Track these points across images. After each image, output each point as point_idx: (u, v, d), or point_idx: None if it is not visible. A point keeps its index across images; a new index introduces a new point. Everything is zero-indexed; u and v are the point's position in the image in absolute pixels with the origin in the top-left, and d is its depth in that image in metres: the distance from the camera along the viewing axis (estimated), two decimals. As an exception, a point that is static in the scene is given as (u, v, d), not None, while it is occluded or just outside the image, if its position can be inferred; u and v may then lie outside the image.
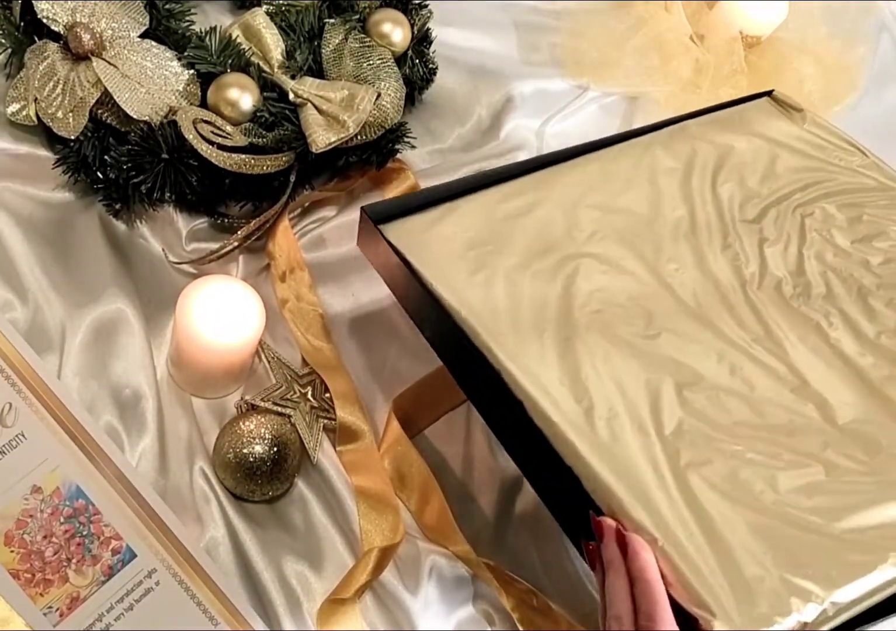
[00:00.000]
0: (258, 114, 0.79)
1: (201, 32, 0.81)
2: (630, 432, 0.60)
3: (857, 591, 0.56)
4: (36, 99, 0.77)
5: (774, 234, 0.75)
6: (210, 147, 0.75)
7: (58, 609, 0.66)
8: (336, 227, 0.85)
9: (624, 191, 0.75)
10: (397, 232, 0.70)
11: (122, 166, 0.76)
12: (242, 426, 0.73)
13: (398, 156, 0.85)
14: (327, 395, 0.78)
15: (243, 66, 0.80)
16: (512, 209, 0.72)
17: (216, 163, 0.75)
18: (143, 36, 0.79)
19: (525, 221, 0.72)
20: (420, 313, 0.70)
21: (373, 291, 0.84)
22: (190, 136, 0.75)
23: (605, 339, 0.65)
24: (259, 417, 0.73)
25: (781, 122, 0.83)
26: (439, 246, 0.69)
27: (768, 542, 0.57)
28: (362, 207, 0.70)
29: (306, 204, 0.85)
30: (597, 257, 0.70)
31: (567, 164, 0.76)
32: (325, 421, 0.77)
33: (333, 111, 0.78)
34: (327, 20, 0.83)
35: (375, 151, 0.83)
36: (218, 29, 0.81)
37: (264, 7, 0.84)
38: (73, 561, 0.67)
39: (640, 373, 0.63)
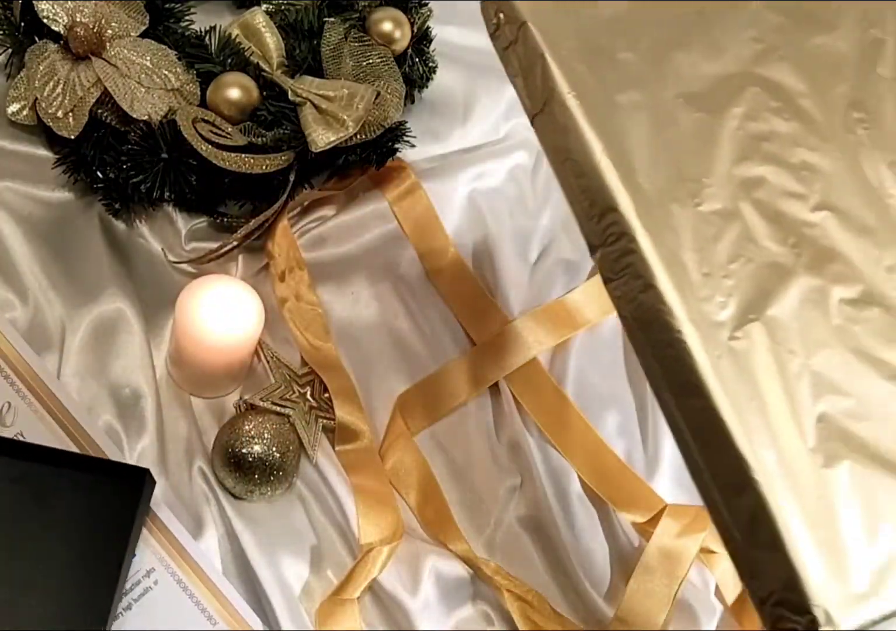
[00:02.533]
0: (257, 113, 0.78)
1: (201, 32, 0.81)
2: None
3: None
4: (36, 99, 0.77)
5: None
6: (209, 146, 0.75)
7: (56, 608, 0.66)
8: (335, 226, 0.85)
9: None
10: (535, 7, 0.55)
11: (121, 166, 0.76)
12: (241, 426, 0.72)
13: (398, 155, 0.85)
14: (326, 394, 0.77)
15: (243, 65, 0.79)
16: None
17: (215, 162, 0.75)
18: (142, 35, 0.79)
19: (690, 10, 0.57)
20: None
21: (373, 290, 0.84)
22: (189, 135, 0.75)
23: (758, 211, 0.54)
24: (258, 416, 0.73)
25: None
26: (587, 34, 0.55)
27: None
28: None
29: (305, 203, 0.85)
30: (769, 85, 0.57)
31: None
32: (325, 421, 0.77)
33: (333, 110, 0.78)
34: (327, 19, 0.82)
35: (375, 150, 0.83)
36: (217, 28, 0.81)
37: (263, 6, 0.84)
38: (72, 560, 0.67)
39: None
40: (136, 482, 0.67)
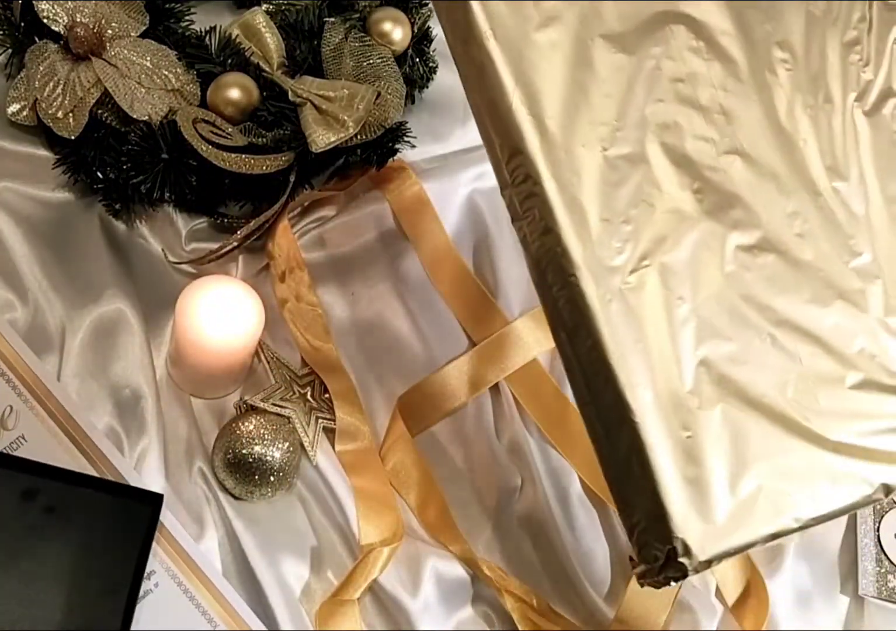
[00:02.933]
0: (258, 113, 0.78)
1: (201, 32, 0.81)
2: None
3: None
4: (36, 99, 0.77)
5: None
6: (209, 147, 0.75)
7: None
8: (336, 227, 0.85)
9: None
10: None
11: (121, 166, 0.76)
12: (242, 427, 0.72)
13: (398, 155, 0.85)
14: (327, 395, 0.77)
15: (243, 65, 0.79)
16: None
17: (216, 162, 0.75)
18: (142, 36, 0.79)
19: None
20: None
21: (373, 291, 0.84)
22: (189, 135, 0.74)
23: (667, 156, 0.54)
24: (258, 417, 0.73)
25: None
26: None
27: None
28: None
29: (306, 203, 0.85)
30: (692, 23, 0.56)
31: None
32: (325, 421, 0.77)
33: (333, 110, 0.78)
34: (327, 19, 0.82)
35: (375, 151, 0.83)
36: (218, 28, 0.81)
37: (264, 6, 0.84)
38: (72, 562, 0.67)
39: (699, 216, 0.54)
40: (150, 506, 0.68)
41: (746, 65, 0.56)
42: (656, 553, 0.52)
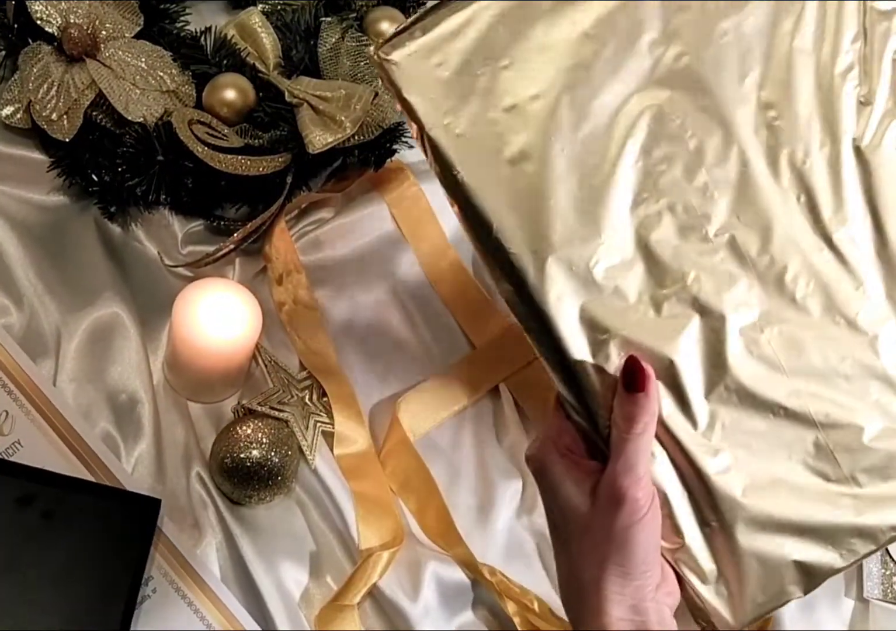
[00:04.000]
0: (254, 114, 0.78)
1: (196, 33, 0.80)
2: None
3: None
4: (30, 101, 0.76)
5: None
6: (205, 148, 0.75)
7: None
8: (333, 228, 0.84)
9: None
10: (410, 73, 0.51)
11: (116, 169, 0.75)
12: (239, 431, 0.72)
13: (396, 156, 0.84)
14: (325, 399, 0.77)
15: (239, 66, 0.79)
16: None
17: (211, 164, 0.74)
18: (137, 36, 0.78)
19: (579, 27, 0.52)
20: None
21: (371, 294, 0.83)
22: (185, 137, 0.74)
23: (657, 251, 0.52)
24: (256, 421, 0.73)
25: None
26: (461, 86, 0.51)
27: None
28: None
29: (303, 206, 0.84)
30: (672, 99, 0.53)
31: None
32: (323, 425, 0.76)
33: (330, 111, 0.77)
34: (323, 19, 0.81)
35: (373, 152, 0.82)
36: (213, 29, 0.80)
37: (259, 6, 0.83)
38: (69, 569, 0.67)
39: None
40: (148, 511, 0.67)
41: (731, 130, 0.53)
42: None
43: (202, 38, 0.79)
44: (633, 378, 0.51)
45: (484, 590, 0.74)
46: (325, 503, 0.75)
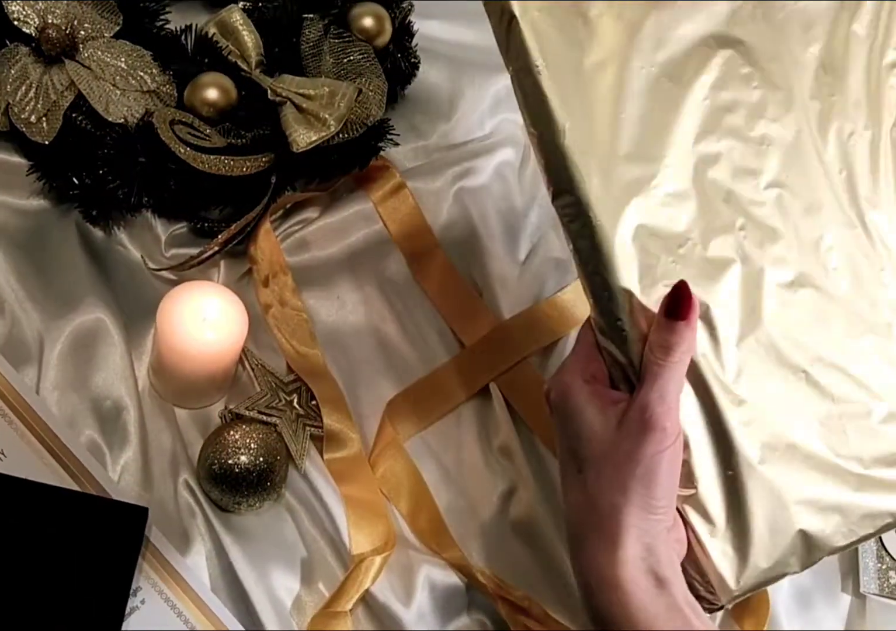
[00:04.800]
0: (236, 114, 0.77)
1: (176, 31, 0.79)
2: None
3: None
4: (8, 104, 0.75)
5: None
6: (187, 149, 0.73)
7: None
8: (319, 228, 0.83)
9: None
10: None
11: (97, 171, 0.74)
12: (227, 436, 0.71)
13: (382, 154, 0.83)
14: (314, 402, 0.76)
15: (220, 64, 0.78)
16: None
17: (194, 165, 0.73)
18: (116, 36, 0.77)
19: None
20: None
21: (359, 294, 0.82)
22: (167, 138, 0.73)
23: (713, 191, 0.53)
24: (244, 426, 0.71)
25: None
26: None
27: None
28: None
29: (288, 205, 0.83)
30: (742, 48, 0.55)
31: None
32: (312, 429, 0.75)
33: (314, 109, 0.76)
34: (306, 15, 0.80)
35: (358, 150, 0.81)
36: (193, 27, 0.79)
37: (240, 3, 0.82)
38: (55, 581, 0.65)
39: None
40: (135, 521, 0.66)
41: (792, 93, 0.55)
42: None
43: (183, 37, 0.78)
44: (677, 305, 0.50)
45: (478, 593, 0.74)
46: (316, 509, 0.73)
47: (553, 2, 0.51)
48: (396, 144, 0.84)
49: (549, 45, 0.51)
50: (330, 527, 0.73)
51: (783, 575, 0.55)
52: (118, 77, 0.75)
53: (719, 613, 0.77)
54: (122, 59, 0.75)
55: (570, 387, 0.53)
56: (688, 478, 0.53)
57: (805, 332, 0.54)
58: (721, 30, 0.54)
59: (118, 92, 0.74)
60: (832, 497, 0.55)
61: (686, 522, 0.54)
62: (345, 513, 0.73)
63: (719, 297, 0.52)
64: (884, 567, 0.80)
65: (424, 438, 0.79)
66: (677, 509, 0.53)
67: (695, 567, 0.55)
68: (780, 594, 0.78)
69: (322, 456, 0.75)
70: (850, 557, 0.81)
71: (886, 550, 0.80)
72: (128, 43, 0.76)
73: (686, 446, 0.52)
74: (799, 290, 0.54)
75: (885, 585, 0.80)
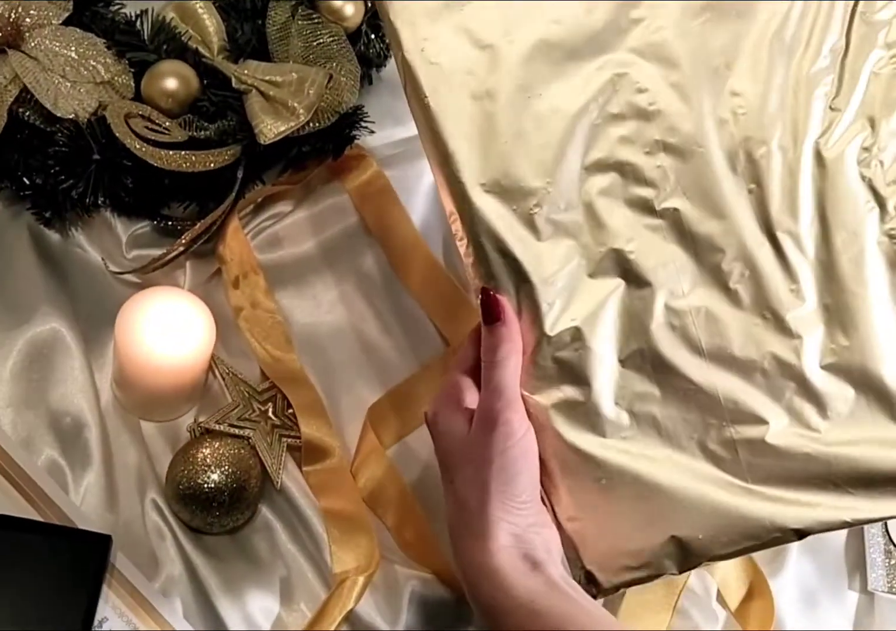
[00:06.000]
0: (198, 104, 0.73)
1: (132, 16, 0.75)
2: None
3: None
4: (-48, 99, 0.70)
5: (893, 50, 0.56)
6: (145, 145, 0.69)
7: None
8: (293, 223, 0.79)
9: None
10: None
11: (49, 170, 0.70)
12: (196, 453, 0.67)
13: (357, 142, 0.79)
14: (290, 410, 0.72)
15: (180, 51, 0.74)
16: None
17: (152, 162, 0.69)
18: (66, 23, 0.72)
19: None
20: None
21: (337, 292, 0.78)
22: (121, 133, 0.68)
23: (606, 209, 0.55)
24: (214, 442, 0.68)
25: None
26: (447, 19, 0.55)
27: None
28: None
29: (258, 200, 0.79)
30: (638, 69, 0.55)
31: None
32: (289, 440, 0.71)
33: (282, 97, 0.72)
34: None
35: (331, 139, 0.77)
36: (150, 12, 0.75)
37: (201, -16, 0.77)
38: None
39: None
40: (99, 548, 0.63)
41: (696, 112, 0.55)
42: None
43: (139, 23, 0.75)
44: (489, 310, 0.54)
45: (468, 607, 0.70)
46: (295, 524, 0.71)
47: (439, 35, 0.55)
48: (372, 132, 0.80)
49: (436, 77, 0.55)
50: (310, 544, 0.70)
51: (659, 576, 0.56)
52: (68, 68, 0.70)
53: (721, 619, 0.75)
54: (73, 48, 0.71)
55: (443, 407, 0.57)
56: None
57: (696, 349, 0.55)
58: (616, 52, 0.55)
59: (68, 84, 0.70)
60: (712, 503, 0.55)
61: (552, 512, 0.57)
62: (325, 528, 0.70)
63: (605, 312, 0.55)
64: (893, 562, 0.78)
65: (409, 444, 0.76)
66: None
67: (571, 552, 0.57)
68: (786, 593, 0.76)
69: (300, 468, 0.72)
70: (856, 552, 0.78)
71: (895, 545, 0.78)
72: (78, 30, 0.72)
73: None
74: (692, 308, 0.55)
75: (894, 582, 0.78)
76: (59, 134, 0.70)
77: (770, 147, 0.55)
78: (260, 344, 0.74)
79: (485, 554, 0.53)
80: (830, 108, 0.55)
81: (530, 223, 0.54)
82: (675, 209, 0.55)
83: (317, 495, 0.71)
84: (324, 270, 0.79)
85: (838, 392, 0.55)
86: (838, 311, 0.55)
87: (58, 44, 0.71)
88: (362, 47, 0.79)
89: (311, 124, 0.74)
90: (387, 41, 0.82)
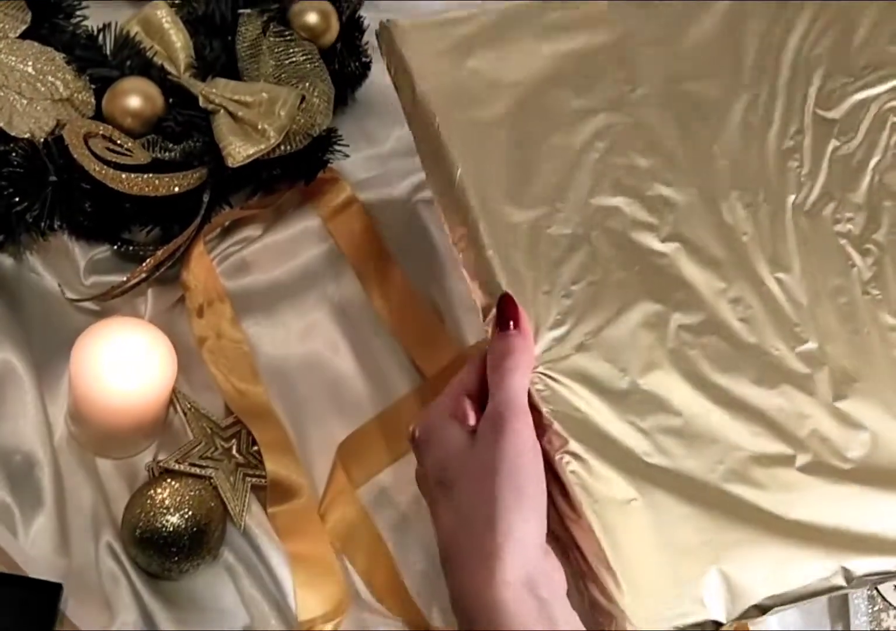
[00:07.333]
0: (163, 124, 0.71)
1: (94, 30, 0.73)
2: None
3: None
4: None
5: (848, 136, 0.63)
6: (105, 167, 0.67)
7: None
8: (262, 248, 0.76)
9: (697, 35, 0.64)
10: (413, 36, 0.61)
11: (2, 192, 0.67)
12: (154, 495, 0.64)
13: (330, 165, 0.77)
14: (255, 448, 0.69)
15: (144, 68, 0.73)
16: (556, 38, 0.62)
17: (112, 186, 0.67)
18: (23, 36, 0.71)
19: (567, 49, 0.61)
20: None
21: (307, 321, 0.76)
22: (80, 155, 0.66)
23: (609, 239, 0.57)
24: (174, 482, 0.65)
25: None
26: (458, 68, 0.60)
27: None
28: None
29: (226, 224, 0.76)
30: (637, 126, 0.60)
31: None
32: (254, 479, 0.68)
33: (251, 118, 0.70)
34: (242, 11, 0.75)
35: (303, 163, 0.75)
36: (114, 25, 0.73)
37: (167, -3, 0.76)
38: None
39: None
40: (48, 597, 0.61)
41: (688, 164, 0.60)
42: None
43: (101, 37, 0.73)
44: (506, 315, 0.53)
45: (442, 658, 0.68)
46: (259, 569, 0.67)
47: (448, 70, 0.60)
48: (347, 156, 0.78)
49: (447, 103, 0.59)
50: (274, 589, 0.67)
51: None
52: (24, 84, 0.68)
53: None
54: (30, 63, 0.69)
55: (435, 421, 0.54)
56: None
57: (713, 374, 0.56)
58: (612, 109, 0.60)
59: (24, 101, 0.68)
60: (751, 542, 0.54)
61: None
62: (291, 573, 0.67)
63: (619, 332, 0.55)
64: (876, 608, 0.76)
65: (381, 483, 0.73)
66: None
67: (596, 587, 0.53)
68: (767, 641, 0.73)
69: (265, 509, 0.69)
70: (839, 598, 0.76)
71: (878, 591, 0.77)
72: (36, 44, 0.70)
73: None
74: (704, 335, 0.56)
75: (877, 628, 0.76)
76: (14, 153, 0.67)
77: (756, 201, 0.59)
78: (225, 376, 0.71)
79: (490, 583, 0.47)
80: (801, 178, 0.61)
81: (540, 240, 0.56)
82: (678, 245, 0.57)
83: (282, 538, 0.68)
84: (294, 298, 0.76)
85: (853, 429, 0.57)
86: (836, 353, 0.57)
87: (14, 58, 0.69)
88: (337, 65, 0.77)
89: (281, 147, 0.72)
90: (364, 60, 0.80)
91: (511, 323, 0.53)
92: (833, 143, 0.63)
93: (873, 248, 0.61)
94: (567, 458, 0.52)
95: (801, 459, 0.55)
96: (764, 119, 0.62)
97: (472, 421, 0.52)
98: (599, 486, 0.52)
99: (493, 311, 0.54)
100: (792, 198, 0.60)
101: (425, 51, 0.60)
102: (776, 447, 0.55)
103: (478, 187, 0.56)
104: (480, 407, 0.53)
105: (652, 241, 0.57)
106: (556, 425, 0.52)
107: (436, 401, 0.55)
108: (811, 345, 0.57)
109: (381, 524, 0.71)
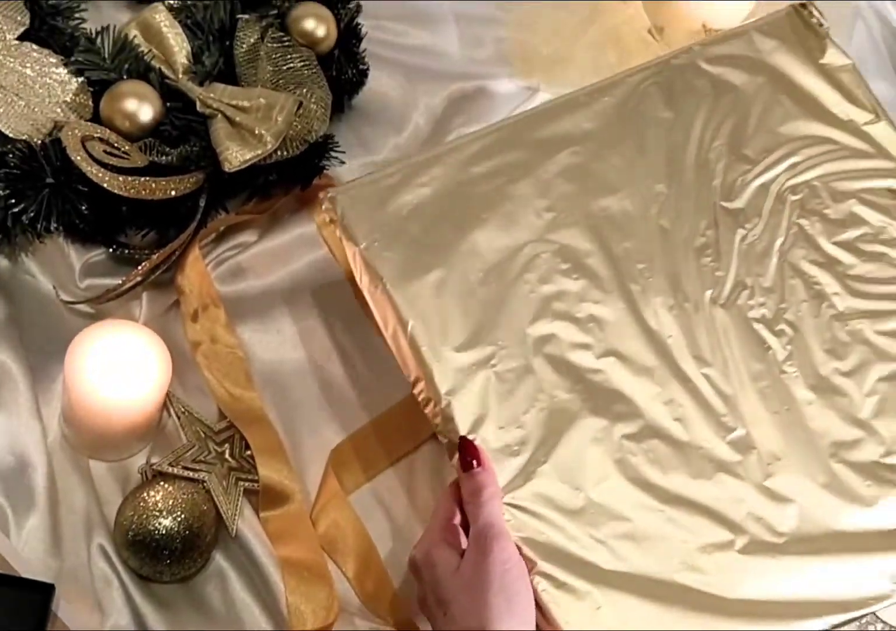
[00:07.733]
0: (160, 128, 0.72)
1: (92, 33, 0.73)
2: None
3: None
4: None
5: (753, 223, 0.69)
6: (102, 170, 0.67)
7: None
8: (257, 254, 0.77)
9: (606, 151, 0.69)
10: (350, 203, 0.66)
11: (-1, 193, 0.67)
12: (147, 497, 0.64)
13: (326, 172, 0.77)
14: (248, 452, 0.69)
15: (142, 71, 0.73)
16: (478, 175, 0.68)
17: (109, 189, 0.67)
18: (21, 38, 0.71)
19: (489, 188, 0.67)
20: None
21: (301, 326, 0.76)
22: (77, 157, 0.66)
23: (550, 365, 0.63)
24: (167, 485, 0.65)
25: (796, 52, 0.74)
26: (394, 224, 0.66)
27: None
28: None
29: (221, 229, 0.76)
30: (559, 251, 0.66)
31: (546, 112, 0.71)
32: (246, 484, 0.68)
33: (248, 123, 0.70)
34: (240, 16, 0.75)
35: (300, 168, 0.75)
36: (112, 28, 0.74)
37: (166, 2, 0.76)
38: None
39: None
40: (40, 597, 0.61)
41: (611, 279, 0.65)
42: None
43: (99, 40, 0.73)
44: (468, 457, 0.60)
45: (431, 663, 0.67)
46: (250, 573, 0.67)
47: (390, 237, 0.65)
48: (343, 163, 0.78)
49: (391, 266, 0.64)
50: (265, 594, 0.67)
51: None
52: (22, 86, 0.69)
53: None
54: (28, 66, 0.69)
55: (433, 546, 0.59)
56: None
57: (656, 476, 0.61)
58: (536, 239, 0.66)
59: (22, 103, 0.68)
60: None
61: None
62: (282, 578, 0.67)
63: (570, 451, 0.61)
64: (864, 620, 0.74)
65: (373, 489, 0.73)
66: None
67: None
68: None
69: (257, 514, 0.69)
70: None
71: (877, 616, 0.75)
72: (35, 46, 0.71)
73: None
74: (644, 440, 0.62)
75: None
76: (11, 155, 0.68)
77: (677, 302, 0.65)
78: (218, 381, 0.71)
79: None
80: (715, 273, 0.66)
81: (489, 380, 0.61)
82: (612, 359, 0.63)
83: (274, 543, 0.68)
84: (288, 304, 0.76)
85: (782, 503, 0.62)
86: (762, 435, 0.63)
87: (12, 60, 0.69)
88: (334, 72, 0.77)
89: (278, 153, 0.72)
90: (361, 67, 0.80)
91: (474, 462, 0.59)
92: (740, 232, 0.68)
93: (786, 328, 0.66)
94: (538, 578, 0.58)
95: (740, 542, 0.61)
96: (676, 221, 0.67)
97: (464, 545, 0.58)
98: (568, 599, 0.58)
99: (457, 455, 0.60)
100: (709, 293, 0.66)
101: (363, 217, 0.65)
102: (717, 535, 0.61)
103: (429, 338, 0.62)
104: (466, 531, 0.58)
105: (589, 360, 0.63)
106: (526, 549, 0.58)
107: (428, 528, 0.61)
108: (739, 432, 0.63)
109: (373, 530, 0.71)
